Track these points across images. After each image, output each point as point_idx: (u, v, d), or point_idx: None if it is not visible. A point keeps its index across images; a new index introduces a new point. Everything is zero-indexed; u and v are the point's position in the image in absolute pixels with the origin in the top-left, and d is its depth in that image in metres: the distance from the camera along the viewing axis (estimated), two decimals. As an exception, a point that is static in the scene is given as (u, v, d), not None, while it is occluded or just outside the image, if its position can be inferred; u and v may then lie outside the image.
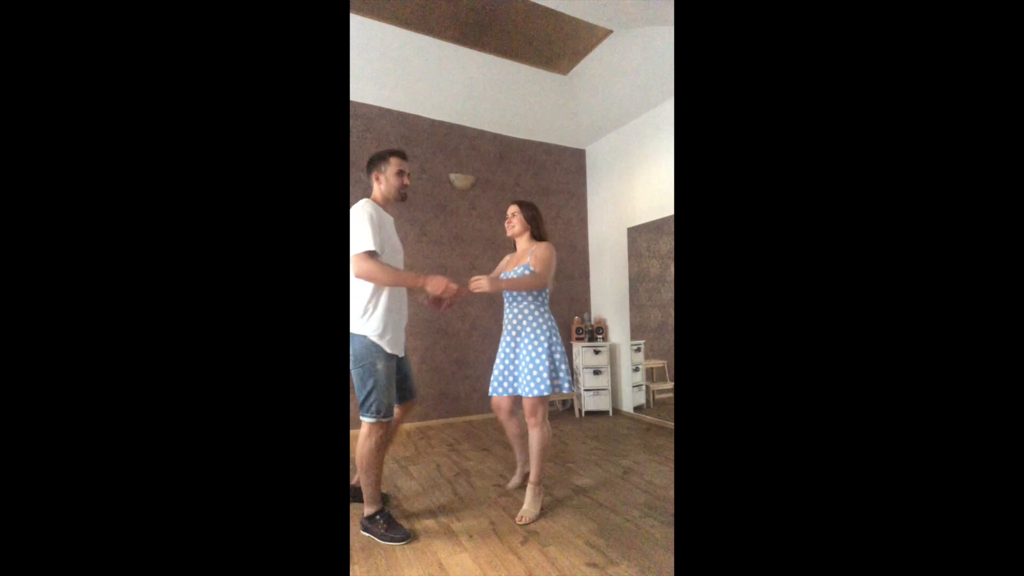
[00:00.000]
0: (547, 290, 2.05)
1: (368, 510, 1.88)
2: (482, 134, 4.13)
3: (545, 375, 1.95)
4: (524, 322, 2.03)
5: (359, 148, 3.57)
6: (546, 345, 1.98)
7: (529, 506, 1.99)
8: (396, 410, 1.98)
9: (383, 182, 1.87)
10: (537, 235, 2.09)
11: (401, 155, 1.89)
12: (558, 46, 3.03)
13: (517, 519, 1.94)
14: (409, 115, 3.79)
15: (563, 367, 2.01)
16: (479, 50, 3.04)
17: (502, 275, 2.06)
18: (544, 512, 2.05)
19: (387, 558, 1.70)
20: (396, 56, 3.06)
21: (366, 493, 1.88)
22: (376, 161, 1.89)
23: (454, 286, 1.76)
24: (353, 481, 2.15)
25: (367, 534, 1.86)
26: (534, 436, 1.99)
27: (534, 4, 2.57)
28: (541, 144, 4.43)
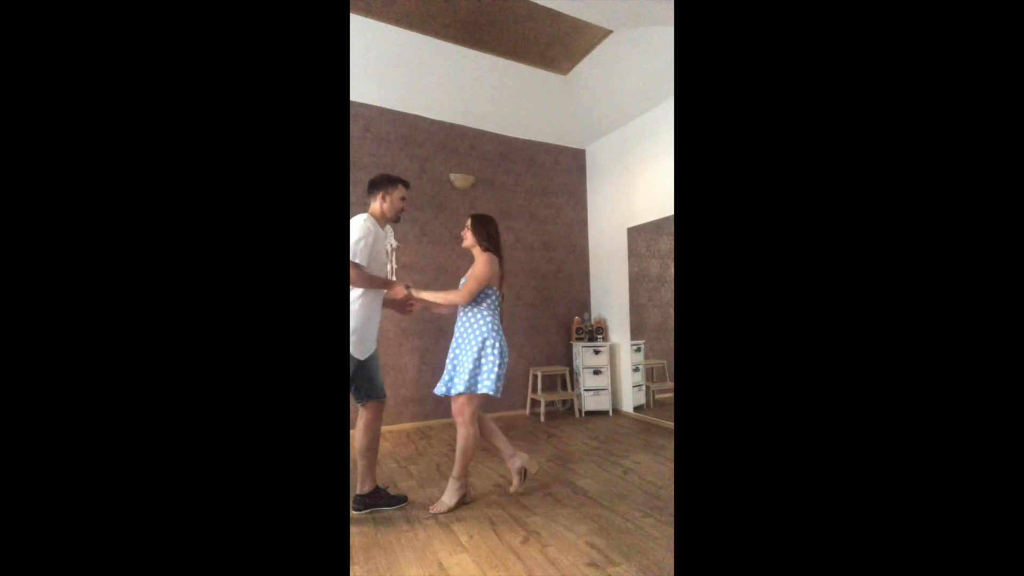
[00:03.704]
0: (492, 296, 2.17)
1: (366, 487, 2.09)
2: (482, 134, 4.13)
3: (465, 376, 2.08)
4: (464, 325, 2.18)
5: (359, 148, 3.57)
6: (477, 348, 2.10)
7: (444, 497, 2.12)
8: (369, 407, 2.13)
9: (387, 203, 2.09)
10: (485, 247, 2.18)
11: (407, 185, 2.18)
12: (558, 46, 3.03)
13: (431, 508, 2.09)
14: (409, 115, 3.79)
15: (493, 371, 2.08)
16: (479, 50, 3.04)
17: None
18: (545, 512, 2.05)
19: (387, 558, 1.70)
20: (396, 56, 3.06)
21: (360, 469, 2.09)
22: (384, 183, 2.11)
23: (404, 292, 2.12)
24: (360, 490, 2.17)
25: (367, 511, 2.06)
26: (459, 435, 2.11)
27: (534, 4, 2.57)
28: (541, 144, 4.43)
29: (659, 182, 3.65)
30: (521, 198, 4.30)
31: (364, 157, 3.59)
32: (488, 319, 2.13)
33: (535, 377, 4.15)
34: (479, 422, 2.21)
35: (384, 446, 3.15)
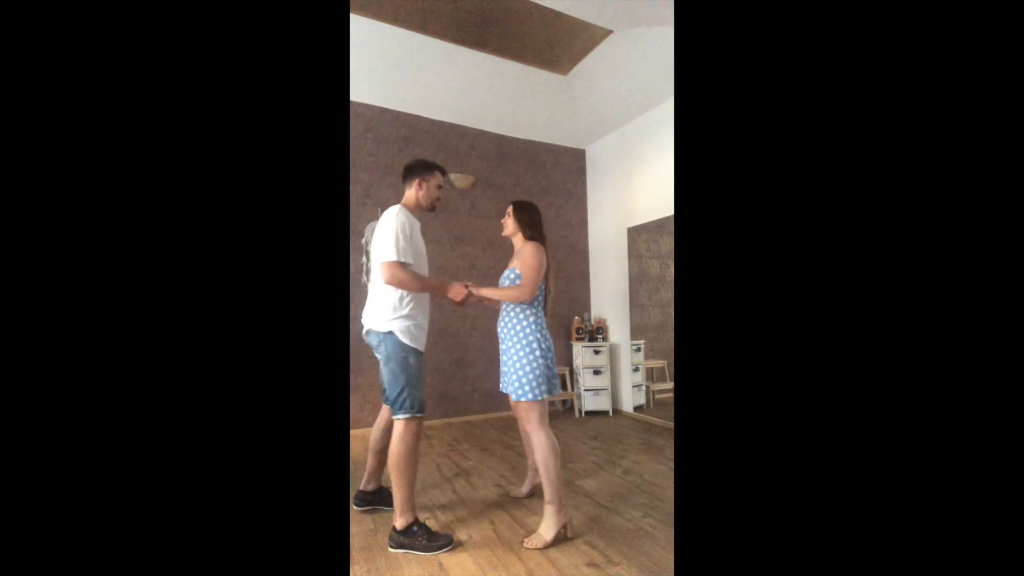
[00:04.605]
0: (540, 294, 1.95)
1: (402, 521, 1.75)
2: (482, 134, 4.13)
3: (532, 380, 1.83)
4: (508, 325, 1.94)
5: (359, 148, 3.57)
6: (531, 348, 1.87)
7: (541, 529, 1.79)
8: None
9: (423, 190, 1.93)
10: (529, 236, 1.97)
11: (444, 171, 2.01)
12: (558, 46, 3.03)
13: (525, 542, 1.77)
14: (409, 115, 3.79)
15: (555, 370, 1.95)
16: (479, 50, 3.04)
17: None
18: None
19: (387, 558, 1.70)
20: (396, 56, 3.06)
21: (400, 500, 1.76)
22: (420, 169, 1.94)
23: (464, 291, 1.92)
24: (363, 484, 2.12)
25: (403, 550, 1.73)
26: (534, 446, 1.83)
27: (534, 4, 2.57)
28: (541, 144, 4.43)
29: (659, 182, 3.65)
30: (521, 198, 4.29)
31: (364, 157, 3.58)
32: (532, 318, 1.91)
33: (535, 377, 4.14)
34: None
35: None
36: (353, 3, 2.57)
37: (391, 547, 1.75)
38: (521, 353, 1.88)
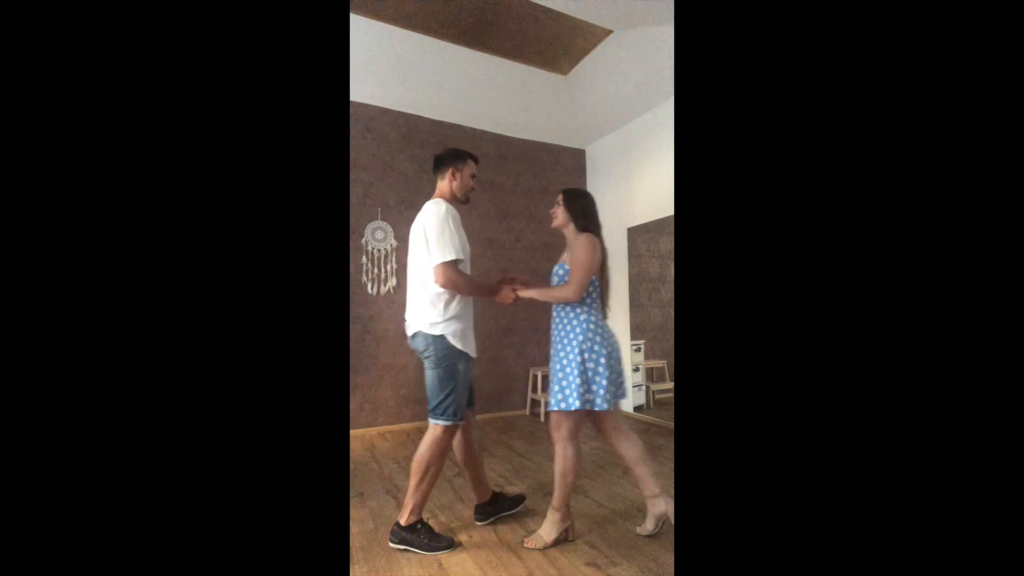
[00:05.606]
0: (595, 291, 1.78)
1: (410, 518, 1.74)
2: (482, 134, 4.13)
3: (567, 386, 1.70)
4: (558, 326, 1.80)
5: (359, 148, 3.57)
6: (576, 352, 1.71)
7: (542, 530, 1.78)
8: (465, 414, 1.84)
9: (457, 180, 1.85)
10: (583, 227, 1.78)
11: (476, 159, 1.92)
12: (558, 46, 3.03)
13: (526, 542, 1.77)
14: (409, 115, 3.79)
15: (601, 380, 1.70)
16: (479, 50, 3.04)
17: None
18: (544, 512, 2.02)
19: (387, 558, 1.70)
20: (396, 56, 3.06)
21: (414, 501, 1.74)
22: (452, 158, 1.85)
23: (512, 295, 1.85)
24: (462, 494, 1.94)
25: (403, 546, 1.73)
26: (556, 455, 1.75)
27: (534, 4, 2.57)
28: (541, 144, 4.43)
29: (659, 182, 3.65)
30: (521, 198, 4.29)
31: (364, 157, 3.58)
32: (584, 316, 1.74)
33: (535, 377, 4.15)
34: (624, 438, 1.83)
35: (384, 446, 3.15)
36: (353, 3, 2.57)
37: (392, 542, 1.74)
38: (565, 360, 1.72)
